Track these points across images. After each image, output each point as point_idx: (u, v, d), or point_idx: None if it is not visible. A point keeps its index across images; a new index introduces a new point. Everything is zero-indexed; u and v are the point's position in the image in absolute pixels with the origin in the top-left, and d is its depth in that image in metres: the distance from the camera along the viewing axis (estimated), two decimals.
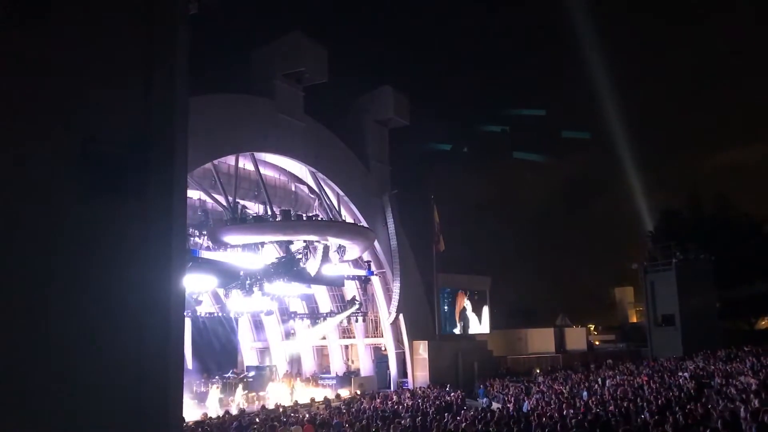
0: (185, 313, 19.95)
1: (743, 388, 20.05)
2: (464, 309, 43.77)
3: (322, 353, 42.80)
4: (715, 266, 44.82)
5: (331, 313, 39.32)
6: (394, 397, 30.03)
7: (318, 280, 33.13)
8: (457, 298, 43.42)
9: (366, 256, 37.56)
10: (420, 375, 38.61)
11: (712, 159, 77.85)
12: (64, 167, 6.54)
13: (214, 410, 27.69)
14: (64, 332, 6.28)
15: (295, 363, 40.96)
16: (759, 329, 53.66)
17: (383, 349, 40.75)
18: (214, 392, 30.48)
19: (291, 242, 32.13)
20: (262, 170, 33.12)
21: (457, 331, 43.16)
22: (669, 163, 75.66)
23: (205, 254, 28.09)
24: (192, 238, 27.69)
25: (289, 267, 31.24)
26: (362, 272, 37.40)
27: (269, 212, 31.52)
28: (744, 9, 66.89)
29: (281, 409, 26.59)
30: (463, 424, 17.64)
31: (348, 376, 38.23)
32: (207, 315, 34.63)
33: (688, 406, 16.53)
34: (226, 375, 33.74)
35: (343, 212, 37.06)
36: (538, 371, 38.88)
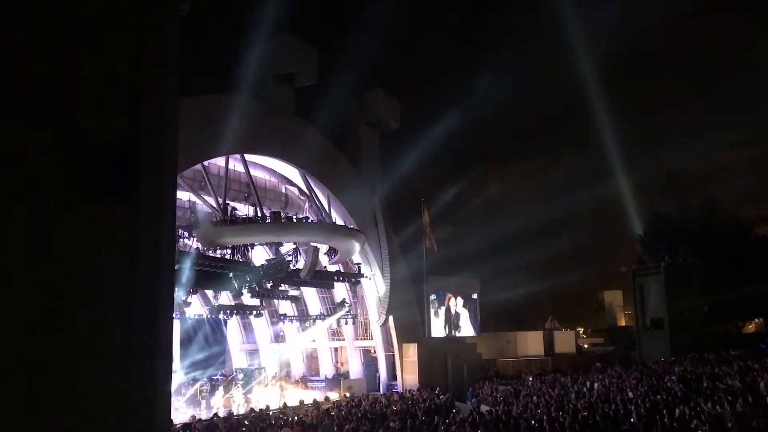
0: (174, 315, 19.83)
1: (730, 391, 20.17)
2: (449, 310, 43.80)
3: (311, 355, 42.74)
4: (703, 270, 45.07)
5: (320, 316, 39.29)
6: (383, 400, 30.00)
7: (307, 282, 33.09)
8: (446, 301, 43.48)
9: (356, 258, 37.54)
10: (409, 378, 38.59)
11: (701, 163, 78.21)
12: (49, 169, 6.49)
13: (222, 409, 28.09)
14: (50, 334, 6.24)
15: (285, 365, 40.91)
16: (746, 333, 53.97)
17: (372, 351, 40.72)
18: (221, 392, 30.79)
19: (281, 244, 32.10)
20: (252, 172, 33.06)
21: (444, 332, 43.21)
22: (658, 167, 75.95)
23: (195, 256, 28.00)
24: (181, 240, 27.60)
25: (278, 269, 31.21)
26: (357, 274, 37.39)
27: (259, 214, 31.46)
28: (734, 10, 67.36)
29: (270, 412, 26.53)
30: (453, 426, 17.64)
31: (337, 379, 38.20)
32: (196, 316, 34.53)
33: (676, 409, 16.60)
34: (215, 377, 33.66)
35: (334, 214, 37.02)
36: (530, 377, 38.84)
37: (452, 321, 43.67)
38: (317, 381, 38.13)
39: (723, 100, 71.27)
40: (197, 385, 31.71)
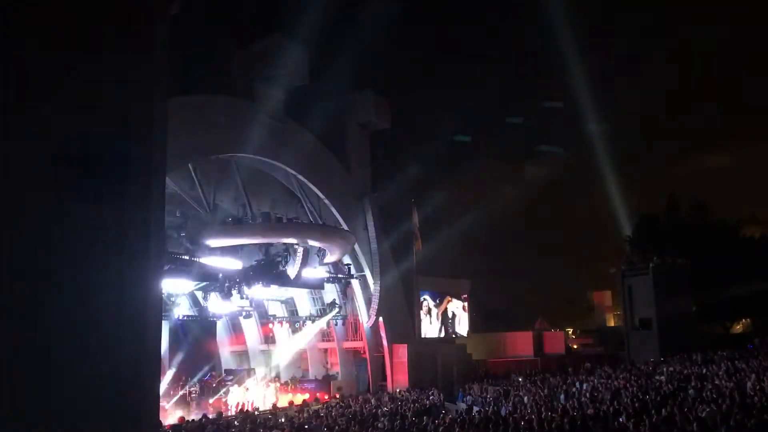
0: (162, 316, 19.76)
1: (718, 391, 20.30)
2: (447, 311, 43.90)
3: (300, 356, 42.66)
4: (691, 271, 45.27)
5: (310, 317, 39.24)
6: (373, 401, 29.98)
7: (297, 283, 33.03)
8: (444, 302, 43.70)
9: (346, 259, 37.50)
10: (399, 378, 38.57)
11: (690, 164, 78.81)
12: (41, 169, 6.50)
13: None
14: (39, 334, 6.24)
15: (274, 366, 40.82)
16: (734, 333, 54.25)
17: (362, 352, 40.69)
18: (236, 390, 30.81)
19: (271, 245, 32.02)
20: (242, 172, 32.96)
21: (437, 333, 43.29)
22: (646, 168, 76.49)
23: (184, 256, 27.91)
24: (170, 240, 27.50)
25: (268, 270, 31.13)
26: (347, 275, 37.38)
27: (249, 214, 31.38)
28: (725, 15, 67.79)
29: (257, 413, 26.49)
30: (441, 427, 17.65)
31: (327, 380, 38.16)
32: (185, 317, 34.39)
33: (665, 409, 16.68)
34: (204, 378, 33.56)
35: (324, 215, 36.99)
36: (519, 377, 38.95)
37: (448, 322, 43.83)
38: (306, 382, 38.06)
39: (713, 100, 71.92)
40: (186, 387, 31.62)
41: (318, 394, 34.49)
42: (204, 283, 30.25)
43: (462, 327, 45.18)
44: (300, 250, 31.79)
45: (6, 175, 5.69)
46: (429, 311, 42.50)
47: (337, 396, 33.82)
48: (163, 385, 29.46)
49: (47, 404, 5.72)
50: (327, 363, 42.24)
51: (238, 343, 41.22)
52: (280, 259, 31.90)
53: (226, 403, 31.16)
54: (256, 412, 26.54)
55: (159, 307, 6.94)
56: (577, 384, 27.98)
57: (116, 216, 6.09)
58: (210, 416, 25.07)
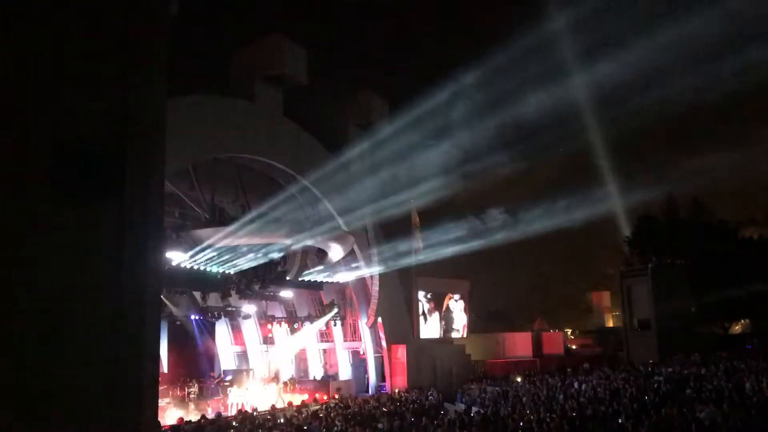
0: (161, 316, 19.75)
1: (717, 392, 20.32)
2: (448, 310, 43.89)
3: (299, 357, 42.64)
4: (690, 271, 45.28)
5: (309, 317, 39.20)
6: (372, 401, 29.98)
7: (296, 283, 33.00)
8: (444, 300, 43.70)
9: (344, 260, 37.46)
10: (398, 379, 38.57)
11: (689, 164, 78.61)
12: (38, 169, 6.45)
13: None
14: (38, 337, 6.19)
15: (273, 367, 40.78)
16: (733, 334, 54.25)
17: (361, 353, 40.67)
18: (235, 390, 30.77)
19: (269, 245, 32.00)
20: (241, 172, 32.94)
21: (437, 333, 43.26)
22: (645, 169, 76.29)
23: (182, 257, 27.88)
24: (169, 241, 27.46)
25: (267, 270, 31.11)
26: (350, 275, 37.30)
27: (248, 215, 31.32)
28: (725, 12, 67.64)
29: (256, 413, 26.46)
30: (440, 428, 17.66)
31: (326, 380, 38.11)
32: (184, 318, 34.36)
33: (663, 410, 16.70)
34: (204, 379, 33.53)
35: (322, 216, 36.89)
36: (519, 379, 38.95)
37: (450, 319, 43.82)
38: (306, 382, 38.03)
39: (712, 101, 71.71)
40: (185, 387, 31.59)
41: (317, 394, 34.45)
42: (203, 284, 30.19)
43: (460, 326, 45.12)
44: (299, 251, 31.76)
45: (4, 176, 5.68)
46: (423, 313, 42.45)
47: (336, 396, 33.78)
48: (162, 385, 29.44)
49: (46, 407, 5.70)
50: (326, 363, 42.22)
51: (237, 343, 41.18)
52: (279, 260, 31.87)
53: (225, 404, 31.07)
54: (254, 413, 26.49)
55: (158, 307, 6.96)
56: (576, 384, 27.99)
57: (115, 217, 6.08)
58: (209, 417, 25.08)
